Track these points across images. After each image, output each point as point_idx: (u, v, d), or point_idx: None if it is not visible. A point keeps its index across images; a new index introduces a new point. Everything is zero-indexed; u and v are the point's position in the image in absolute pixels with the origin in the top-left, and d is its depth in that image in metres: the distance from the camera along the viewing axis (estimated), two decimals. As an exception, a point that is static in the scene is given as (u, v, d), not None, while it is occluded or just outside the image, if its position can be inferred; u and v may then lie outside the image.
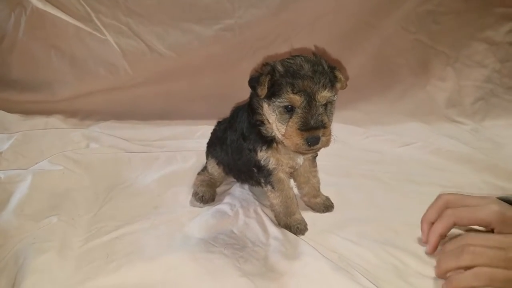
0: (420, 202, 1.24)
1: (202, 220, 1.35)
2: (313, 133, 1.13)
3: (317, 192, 1.47)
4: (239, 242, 1.24)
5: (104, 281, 1.05)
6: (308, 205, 1.48)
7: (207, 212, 1.40)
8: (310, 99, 1.14)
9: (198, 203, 1.47)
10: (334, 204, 1.45)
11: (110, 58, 2.14)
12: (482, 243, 0.96)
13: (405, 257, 1.14)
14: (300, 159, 1.36)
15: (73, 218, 1.31)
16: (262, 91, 1.18)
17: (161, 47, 2.11)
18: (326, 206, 1.44)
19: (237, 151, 1.43)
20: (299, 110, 1.15)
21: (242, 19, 2.06)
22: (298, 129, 1.14)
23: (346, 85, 1.25)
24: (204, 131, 2.01)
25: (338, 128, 2.07)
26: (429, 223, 1.17)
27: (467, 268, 0.95)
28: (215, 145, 1.57)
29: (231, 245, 1.22)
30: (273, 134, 1.27)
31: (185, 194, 1.52)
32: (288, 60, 1.20)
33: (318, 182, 1.48)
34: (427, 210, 1.19)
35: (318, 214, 1.42)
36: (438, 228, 1.11)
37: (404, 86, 2.28)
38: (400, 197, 1.50)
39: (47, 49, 2.17)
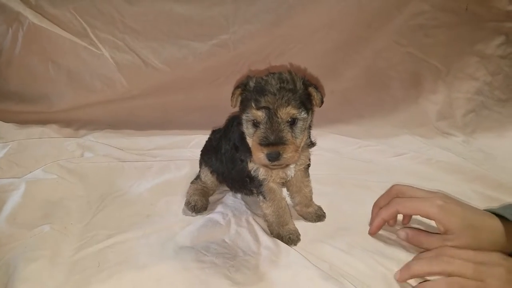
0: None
1: (193, 229, 1.36)
2: (272, 149, 1.12)
3: (309, 201, 1.48)
4: (230, 251, 1.25)
5: None
6: (300, 215, 1.48)
7: (199, 221, 1.40)
8: (271, 115, 1.15)
9: (190, 212, 1.47)
10: (326, 213, 1.46)
11: (106, 71, 2.18)
12: (458, 255, 1.03)
13: (395, 267, 1.13)
14: (291, 171, 1.37)
15: (65, 227, 1.31)
16: (232, 102, 1.25)
17: (156, 62, 2.15)
18: (318, 216, 1.44)
19: (231, 160, 1.44)
20: (261, 126, 1.17)
21: (236, 35, 2.11)
22: (259, 143, 1.15)
23: (322, 102, 1.25)
24: (198, 140, 2.04)
25: (331, 138, 2.15)
26: (378, 208, 1.33)
27: (438, 274, 1.04)
28: (209, 154, 1.58)
29: (222, 254, 1.22)
30: None
31: (178, 203, 1.53)
32: (262, 77, 1.23)
33: (311, 192, 1.48)
34: (380, 197, 1.36)
35: (310, 223, 1.43)
36: (382, 213, 1.27)
37: (396, 99, 2.32)
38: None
39: (44, 63, 2.21)
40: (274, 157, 1.12)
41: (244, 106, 1.21)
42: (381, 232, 1.33)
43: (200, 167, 1.63)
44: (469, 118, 2.24)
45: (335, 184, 1.69)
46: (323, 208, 1.48)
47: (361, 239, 1.29)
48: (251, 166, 1.32)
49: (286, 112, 1.15)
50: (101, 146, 1.97)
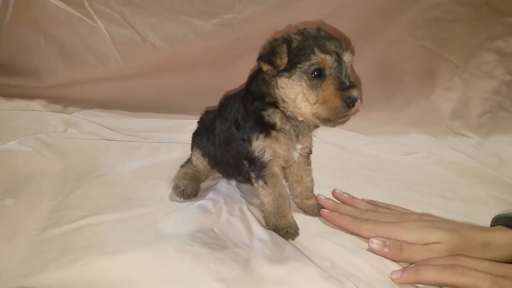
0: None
1: (179, 216, 1.23)
2: (351, 92, 1.02)
3: (310, 193, 1.35)
4: (219, 242, 1.11)
5: (54, 275, 0.93)
6: (300, 207, 1.35)
7: (186, 208, 1.27)
8: (339, 59, 1.06)
9: (178, 198, 1.34)
10: (329, 208, 1.32)
11: (100, 46, 2.05)
12: (473, 266, 0.94)
13: (402, 269, 1.02)
14: (296, 153, 1.25)
15: (32, 203, 1.19)
16: (282, 60, 1.08)
17: (155, 38, 2.02)
18: (320, 209, 1.30)
19: (226, 141, 1.31)
20: (332, 71, 1.05)
21: (241, 15, 1.98)
22: (337, 89, 1.03)
23: None
24: (195, 125, 1.87)
25: (337, 133, 2.00)
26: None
27: (448, 286, 0.94)
28: (201, 135, 1.45)
29: (209, 244, 1.09)
30: (285, 114, 1.16)
31: (165, 187, 1.40)
32: (301, 30, 1.12)
33: (312, 182, 1.36)
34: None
35: (310, 217, 1.30)
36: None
37: (408, 94, 2.17)
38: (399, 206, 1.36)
39: (35, 34, 2.09)
40: (354, 101, 1.02)
41: (299, 58, 1.06)
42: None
43: (192, 149, 1.50)
44: (485, 119, 2.09)
45: (340, 178, 1.56)
46: (325, 202, 1.34)
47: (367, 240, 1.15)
48: (256, 145, 1.19)
49: (348, 58, 1.08)
50: (88, 123, 1.84)
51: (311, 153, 1.35)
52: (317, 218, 1.29)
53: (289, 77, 1.08)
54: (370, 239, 1.11)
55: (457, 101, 2.12)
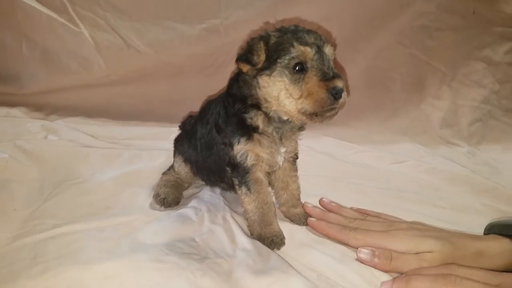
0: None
1: (158, 225, 1.17)
2: (336, 82, 0.99)
3: (297, 201, 1.30)
4: (200, 252, 1.06)
5: (23, 286, 0.87)
6: (286, 216, 1.30)
7: (166, 217, 1.21)
8: (320, 51, 1.02)
9: (159, 206, 1.28)
10: (317, 216, 1.27)
11: (83, 52, 1.99)
12: (466, 276, 0.90)
13: (393, 280, 0.97)
14: (280, 157, 1.21)
15: (4, 212, 1.14)
16: (260, 57, 1.05)
17: (139, 44, 1.97)
18: (307, 218, 1.25)
19: (208, 146, 1.26)
20: (313, 63, 1.02)
21: (228, 20, 1.94)
22: (320, 80, 1.00)
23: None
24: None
25: (325, 141, 1.97)
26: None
27: None
28: (182, 140, 1.40)
29: (189, 255, 1.04)
30: (268, 115, 1.12)
31: (146, 196, 1.34)
32: (279, 27, 1.09)
33: (298, 189, 1.31)
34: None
35: (297, 226, 1.25)
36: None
37: (397, 103, 2.16)
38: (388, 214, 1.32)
39: (17, 39, 2.02)
40: (340, 91, 0.99)
41: (278, 53, 1.03)
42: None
43: (174, 156, 1.44)
44: (475, 127, 2.08)
45: (327, 186, 1.53)
46: (313, 210, 1.29)
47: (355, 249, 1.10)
48: (237, 149, 1.14)
49: (329, 49, 1.05)
50: (69, 130, 1.78)
51: (297, 158, 1.31)
52: (304, 227, 1.24)
53: (269, 75, 1.05)
54: (359, 249, 1.06)
55: (447, 109, 2.12)
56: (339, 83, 0.99)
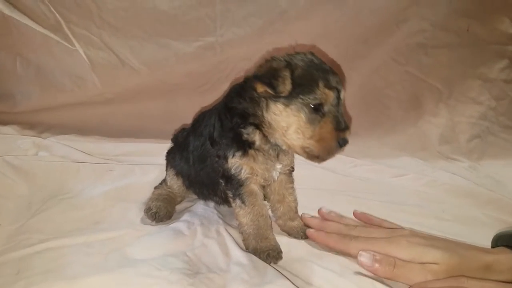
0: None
1: (149, 239, 1.12)
2: (346, 134, 1.00)
3: (294, 214, 1.26)
4: (192, 267, 1.00)
5: None
6: (283, 230, 1.25)
7: (158, 231, 1.16)
8: (338, 96, 1.01)
9: (150, 221, 1.23)
10: (316, 230, 1.21)
11: (78, 70, 1.97)
12: (475, 287, 0.87)
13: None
14: (275, 173, 1.18)
15: None
16: (285, 87, 0.99)
17: (134, 62, 1.95)
18: (305, 232, 1.20)
19: (201, 159, 1.22)
20: (331, 109, 1.00)
21: (223, 38, 1.94)
22: (335, 129, 0.99)
23: None
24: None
25: None
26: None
27: None
28: (174, 153, 1.36)
29: (180, 269, 0.98)
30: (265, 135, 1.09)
31: (137, 210, 1.29)
32: (300, 55, 1.05)
33: (295, 202, 1.27)
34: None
35: (295, 240, 1.20)
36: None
37: (394, 121, 2.14)
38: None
39: (11, 57, 2.00)
40: (346, 143, 1.01)
41: (302, 88, 0.99)
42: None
43: (166, 169, 1.40)
44: (474, 144, 2.05)
45: (326, 199, 1.47)
46: (311, 223, 1.24)
47: (357, 260, 1.04)
48: (232, 162, 1.11)
49: (343, 94, 1.04)
50: (60, 146, 1.73)
51: (293, 170, 1.27)
52: (302, 241, 1.19)
53: (287, 105, 1.01)
54: (360, 252, 1.01)
55: (444, 126, 2.10)
56: (348, 135, 1.00)
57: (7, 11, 1.88)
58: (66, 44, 1.92)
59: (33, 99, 2.03)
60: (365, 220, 1.27)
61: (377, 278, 0.98)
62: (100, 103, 2.03)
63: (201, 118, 1.28)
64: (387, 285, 0.96)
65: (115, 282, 0.91)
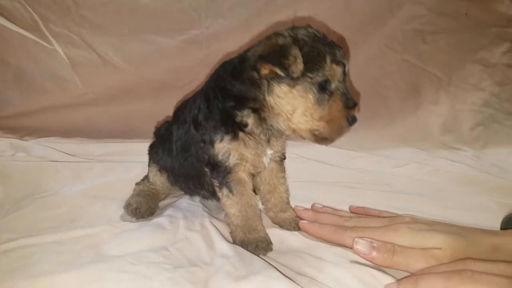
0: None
1: (127, 236, 1.02)
2: (355, 111, 0.94)
3: (286, 205, 1.16)
4: (172, 262, 0.90)
5: None
6: (275, 222, 1.15)
7: (137, 228, 1.06)
8: (344, 71, 0.94)
9: (130, 217, 1.12)
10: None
11: (58, 71, 1.87)
12: (486, 270, 0.76)
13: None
14: (266, 159, 1.08)
15: None
16: (297, 67, 0.89)
17: (116, 59, 1.86)
18: (298, 223, 1.10)
19: (184, 148, 1.13)
20: (339, 86, 0.93)
21: (209, 30, 1.87)
22: (345, 107, 0.92)
23: None
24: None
25: (318, 149, 1.80)
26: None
27: None
28: (157, 147, 1.26)
29: (158, 264, 0.88)
30: (260, 116, 1.00)
31: (117, 207, 1.19)
32: (302, 29, 0.96)
33: (287, 192, 1.17)
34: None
35: (287, 232, 1.09)
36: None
37: (393, 111, 2.05)
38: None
39: (-12, 61, 1.91)
40: (355, 121, 0.94)
41: (311, 66, 0.90)
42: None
43: (149, 165, 1.30)
44: (478, 132, 1.96)
45: (321, 191, 1.39)
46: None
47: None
48: (219, 147, 1.01)
49: (347, 68, 0.96)
50: (39, 147, 1.64)
51: (284, 158, 1.17)
52: (295, 233, 1.08)
53: (292, 86, 0.92)
54: (355, 239, 0.91)
55: (446, 115, 2.01)
56: (357, 112, 0.93)
57: (-19, 11, 1.81)
58: (44, 43, 1.83)
59: (14, 103, 1.93)
60: (363, 213, 1.17)
61: (375, 266, 0.88)
62: (84, 104, 1.93)
63: (184, 105, 1.18)
64: (386, 273, 0.86)
65: (84, 278, 0.82)
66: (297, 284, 0.79)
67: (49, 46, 1.83)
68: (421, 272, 0.82)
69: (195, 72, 1.92)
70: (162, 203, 1.25)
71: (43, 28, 1.81)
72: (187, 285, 0.81)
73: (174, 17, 1.84)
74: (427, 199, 1.35)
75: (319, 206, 1.20)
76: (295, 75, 0.89)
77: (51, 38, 1.83)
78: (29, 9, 1.79)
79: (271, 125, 1.01)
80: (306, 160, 1.67)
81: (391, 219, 1.00)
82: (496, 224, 1.09)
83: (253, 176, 1.10)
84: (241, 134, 1.00)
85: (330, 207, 1.19)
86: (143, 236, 1.00)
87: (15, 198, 1.22)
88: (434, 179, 1.55)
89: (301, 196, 1.25)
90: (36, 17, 1.80)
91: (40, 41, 1.83)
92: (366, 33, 1.96)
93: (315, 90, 0.91)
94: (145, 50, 1.87)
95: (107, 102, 1.94)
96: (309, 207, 1.20)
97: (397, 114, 2.03)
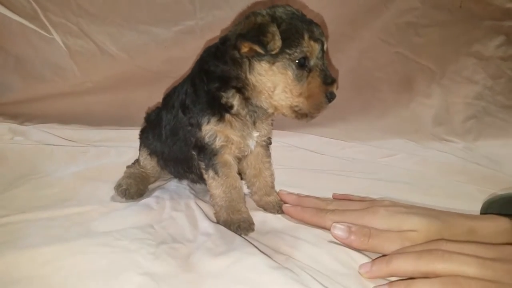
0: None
1: (114, 214, 1.06)
2: (334, 87, 0.97)
3: (270, 189, 1.19)
4: (156, 238, 0.95)
5: None
6: (259, 205, 1.19)
7: (126, 207, 1.10)
8: (322, 48, 0.97)
9: (120, 198, 1.17)
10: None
11: (57, 59, 1.91)
12: (456, 250, 0.78)
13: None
14: (252, 141, 1.10)
15: None
16: (275, 43, 0.92)
17: (113, 49, 1.90)
18: (281, 206, 1.13)
19: (173, 132, 1.16)
20: (317, 62, 0.95)
21: (204, 21, 1.89)
22: (323, 83, 0.95)
23: None
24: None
25: (310, 139, 1.85)
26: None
27: (426, 275, 0.76)
28: (147, 132, 1.30)
29: (142, 240, 0.92)
30: (245, 97, 1.02)
31: (108, 189, 1.22)
32: (281, 8, 0.98)
33: (272, 176, 1.21)
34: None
35: (270, 215, 1.13)
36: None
37: (386, 103, 2.06)
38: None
39: (-11, 48, 1.96)
40: (334, 97, 0.97)
41: (289, 42, 0.93)
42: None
43: (140, 149, 1.34)
44: (470, 124, 1.97)
45: (310, 178, 1.43)
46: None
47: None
48: (206, 130, 1.04)
49: (326, 45, 0.98)
50: (36, 131, 1.70)
51: (270, 143, 1.20)
52: (278, 216, 1.12)
53: (272, 63, 0.95)
54: (333, 224, 0.94)
55: (438, 107, 2.02)
56: (335, 88, 0.96)
57: (-19, 1, 1.85)
58: (44, 33, 1.87)
59: (13, 90, 1.97)
60: (346, 199, 1.20)
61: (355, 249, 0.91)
62: (82, 92, 1.97)
63: (173, 91, 1.22)
64: (362, 253, 0.89)
65: (70, 251, 0.86)
66: (274, 260, 0.82)
67: (48, 35, 1.87)
68: (395, 253, 0.85)
69: (189, 63, 1.94)
70: (151, 186, 1.29)
71: (42, 17, 1.85)
72: (168, 259, 0.84)
73: (170, 8, 1.86)
74: (412, 187, 1.38)
75: (303, 195, 1.21)
76: (273, 52, 0.93)
77: (50, 28, 1.87)
78: None
79: (256, 106, 1.04)
80: (296, 149, 1.70)
81: (371, 202, 1.03)
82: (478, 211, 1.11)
83: (239, 160, 1.14)
84: (227, 116, 1.03)
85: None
86: (130, 214, 1.05)
87: (10, 178, 1.27)
88: (421, 168, 1.58)
89: (287, 182, 1.28)
90: (36, 7, 1.84)
91: (40, 30, 1.87)
92: (359, 26, 1.97)
93: (294, 66, 0.94)
94: (141, 40, 1.90)
95: (104, 90, 1.98)
96: (294, 192, 1.24)
97: (390, 106, 2.04)
